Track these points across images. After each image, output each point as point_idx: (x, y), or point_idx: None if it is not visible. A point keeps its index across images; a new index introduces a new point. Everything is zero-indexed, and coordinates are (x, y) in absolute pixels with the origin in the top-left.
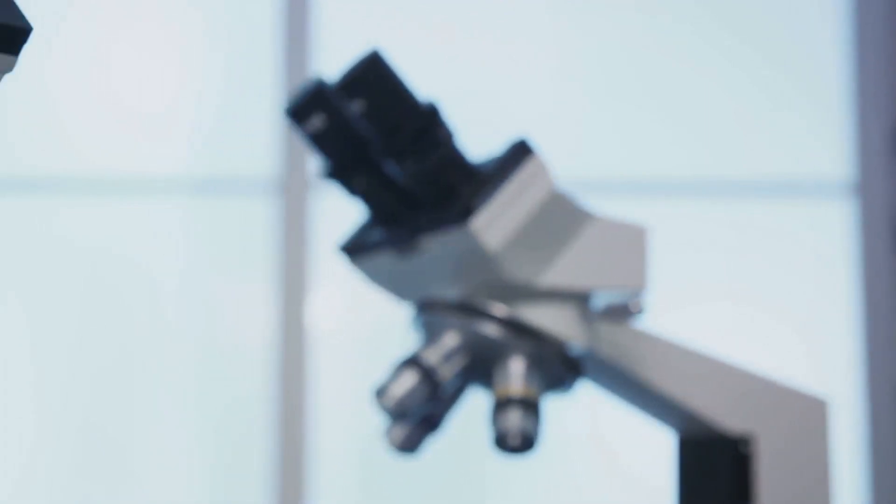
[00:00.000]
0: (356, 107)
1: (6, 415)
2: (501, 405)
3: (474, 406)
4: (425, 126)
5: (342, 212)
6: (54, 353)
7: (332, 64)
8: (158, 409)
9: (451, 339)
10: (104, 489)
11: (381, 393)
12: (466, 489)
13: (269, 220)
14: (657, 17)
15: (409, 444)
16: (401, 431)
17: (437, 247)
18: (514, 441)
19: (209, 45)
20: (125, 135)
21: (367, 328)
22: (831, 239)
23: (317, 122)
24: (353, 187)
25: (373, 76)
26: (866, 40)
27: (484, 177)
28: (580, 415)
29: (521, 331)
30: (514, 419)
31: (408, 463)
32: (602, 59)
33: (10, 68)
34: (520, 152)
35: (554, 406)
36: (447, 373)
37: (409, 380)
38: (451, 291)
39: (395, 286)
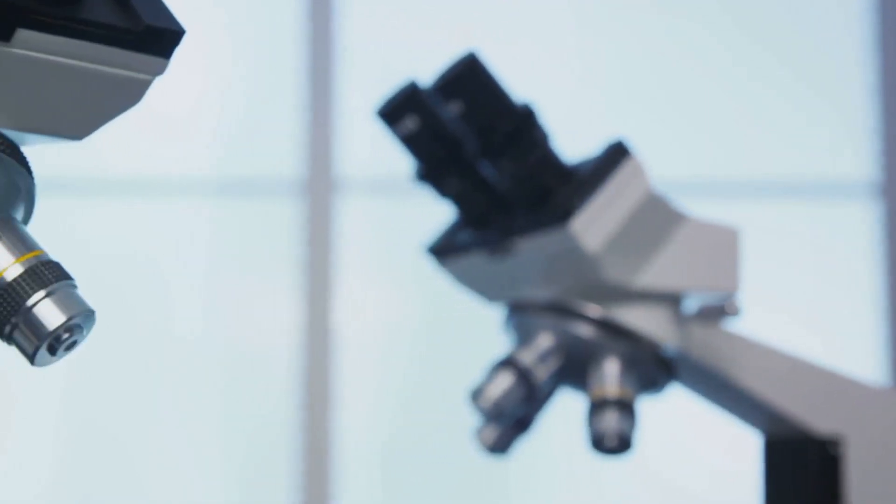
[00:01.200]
0: (453, 108)
1: (34, 419)
2: (597, 406)
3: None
4: (521, 127)
5: (365, 213)
6: (82, 353)
7: (355, 66)
8: (183, 409)
9: (545, 340)
10: (130, 489)
11: (477, 394)
12: (488, 488)
13: (293, 220)
14: (683, 21)
15: (500, 445)
16: (492, 432)
17: (532, 248)
18: (612, 442)
19: (234, 46)
20: (150, 136)
21: (391, 328)
22: (857, 239)
23: (409, 123)
24: (444, 189)
25: (470, 78)
26: (891, 42)
27: (581, 178)
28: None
29: (615, 332)
30: (611, 420)
31: (432, 463)
32: (628, 63)
33: (161, 71)
34: (617, 153)
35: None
36: (542, 374)
37: (505, 381)
38: (543, 292)
39: (485, 287)
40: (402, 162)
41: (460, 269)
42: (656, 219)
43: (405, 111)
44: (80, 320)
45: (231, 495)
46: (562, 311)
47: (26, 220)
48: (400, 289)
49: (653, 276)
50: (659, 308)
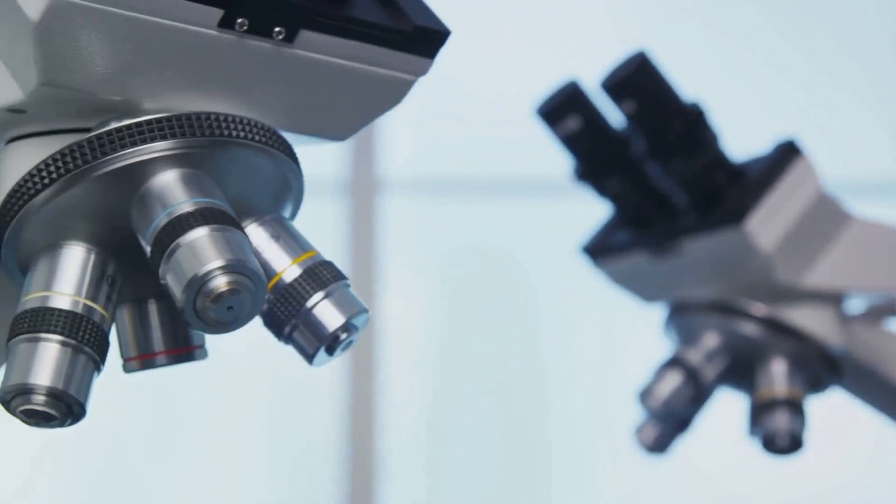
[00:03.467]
0: (622, 109)
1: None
2: (766, 406)
3: (527, 407)
4: (692, 127)
5: (409, 213)
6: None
7: None
8: (227, 411)
9: (711, 340)
10: (176, 489)
11: (645, 394)
12: (533, 489)
13: (336, 221)
14: (718, 19)
15: (660, 445)
16: (652, 431)
17: (700, 248)
18: (783, 443)
19: None
20: None
21: (436, 329)
22: None
23: (571, 123)
24: (604, 189)
25: (640, 78)
26: None
27: (752, 178)
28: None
29: (782, 331)
30: (782, 421)
31: (478, 464)
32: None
33: (425, 72)
34: (788, 153)
35: None
36: (710, 373)
37: (673, 380)
38: (707, 292)
39: (644, 288)
40: (445, 162)
41: (618, 270)
42: (825, 219)
43: (566, 111)
44: (356, 320)
45: (277, 495)
46: (727, 310)
47: (292, 218)
48: (444, 289)
49: (820, 275)
50: (823, 307)
